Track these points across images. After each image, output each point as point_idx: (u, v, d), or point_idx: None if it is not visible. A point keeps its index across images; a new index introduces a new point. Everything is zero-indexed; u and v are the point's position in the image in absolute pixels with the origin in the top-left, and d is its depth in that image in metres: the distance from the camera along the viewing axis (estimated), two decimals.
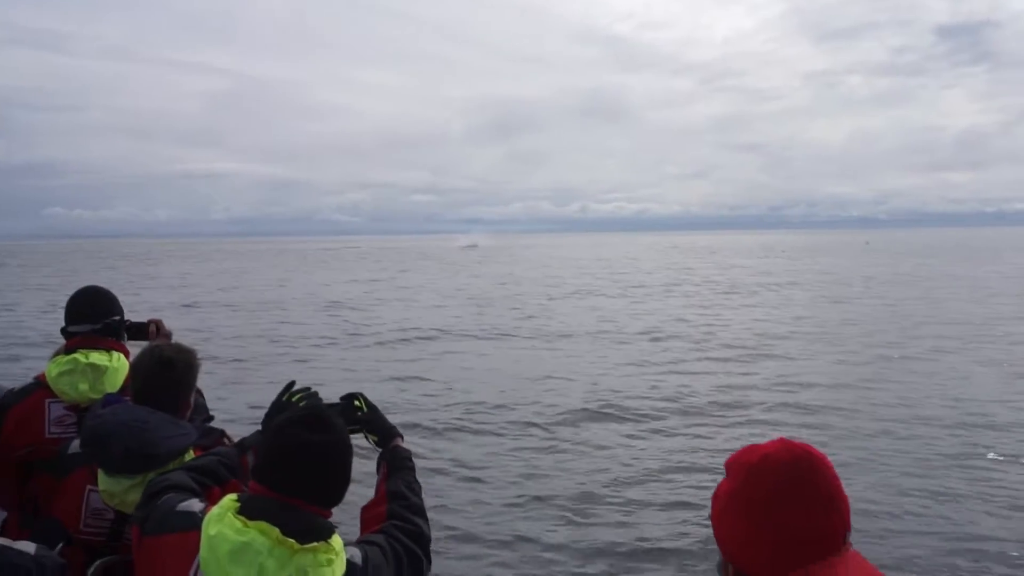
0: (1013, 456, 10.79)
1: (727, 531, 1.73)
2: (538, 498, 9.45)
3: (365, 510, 2.74)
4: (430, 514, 2.78)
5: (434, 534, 2.77)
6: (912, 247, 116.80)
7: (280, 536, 2.08)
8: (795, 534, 1.64)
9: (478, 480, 10.16)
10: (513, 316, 29.06)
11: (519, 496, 9.54)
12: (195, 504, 2.38)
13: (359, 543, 2.42)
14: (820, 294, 37.85)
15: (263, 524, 2.10)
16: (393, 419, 3.17)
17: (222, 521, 2.12)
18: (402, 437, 3.03)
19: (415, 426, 12.52)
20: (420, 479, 2.89)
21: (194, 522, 2.25)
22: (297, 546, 2.09)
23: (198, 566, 2.15)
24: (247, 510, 2.15)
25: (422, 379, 16.99)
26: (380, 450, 3.01)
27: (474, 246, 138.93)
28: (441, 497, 9.30)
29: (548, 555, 7.95)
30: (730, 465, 1.79)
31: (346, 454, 2.37)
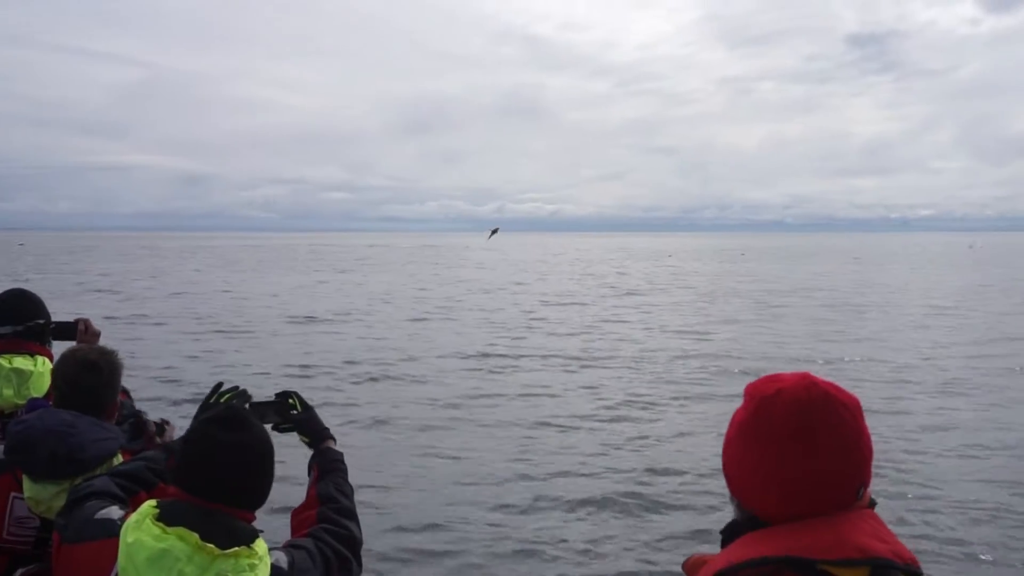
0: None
1: (731, 460, 1.64)
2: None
3: (295, 514, 2.72)
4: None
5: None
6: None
7: (199, 542, 2.05)
8: (799, 477, 1.53)
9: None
10: None
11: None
12: (114, 511, 2.35)
13: (285, 547, 2.39)
14: None
15: (182, 530, 2.06)
16: None
17: (140, 528, 2.08)
18: (334, 440, 3.00)
19: None
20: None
21: (112, 529, 2.22)
22: (217, 551, 2.06)
23: (117, 574, 2.11)
24: (166, 516, 2.11)
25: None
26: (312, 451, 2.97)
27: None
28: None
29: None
30: (747, 392, 1.67)
31: (266, 454, 2.33)
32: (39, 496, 2.76)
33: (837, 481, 1.53)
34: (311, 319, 28.25)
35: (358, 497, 2.90)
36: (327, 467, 2.84)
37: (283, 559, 2.28)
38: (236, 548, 2.10)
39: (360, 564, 2.60)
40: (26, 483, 2.78)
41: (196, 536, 2.06)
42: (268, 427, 2.56)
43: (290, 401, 3.03)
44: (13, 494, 2.86)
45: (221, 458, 2.23)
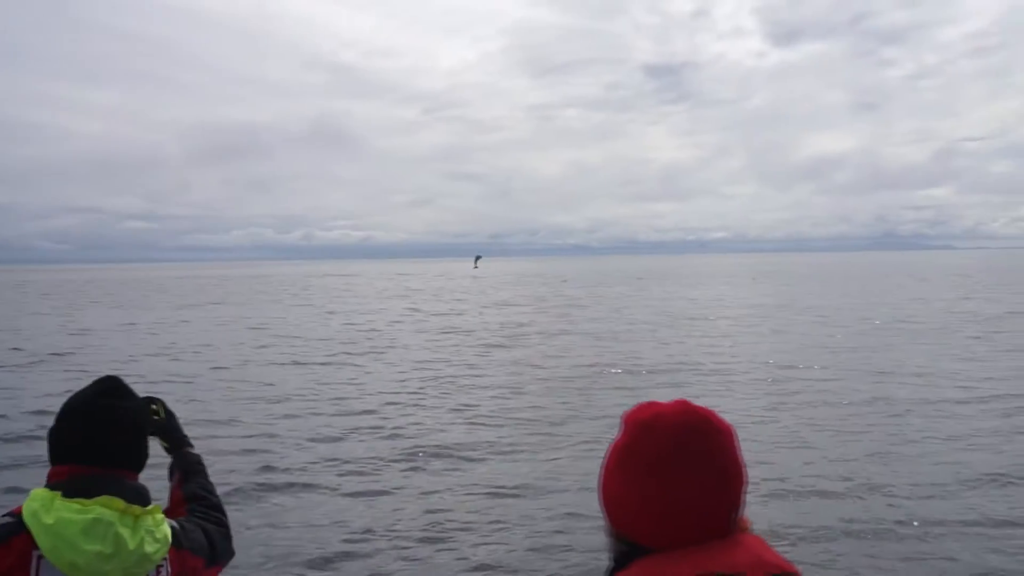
0: None
1: (610, 489, 1.60)
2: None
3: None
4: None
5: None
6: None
7: (124, 504, 2.17)
8: (677, 504, 1.51)
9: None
10: None
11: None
12: None
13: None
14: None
15: (104, 498, 2.16)
16: None
17: (54, 508, 2.11)
18: (192, 447, 2.96)
19: None
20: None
21: (8, 530, 2.13)
22: (139, 510, 2.20)
23: (39, 558, 2.09)
24: (76, 492, 2.16)
25: None
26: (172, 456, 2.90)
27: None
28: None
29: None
30: (625, 419, 1.64)
31: (148, 417, 2.58)
32: None
33: (714, 507, 1.53)
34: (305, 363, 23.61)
35: None
36: (190, 468, 2.82)
37: (172, 523, 2.37)
38: (148, 507, 2.25)
39: (232, 550, 2.64)
40: None
41: (120, 501, 2.17)
42: None
43: (153, 407, 2.90)
44: None
45: (122, 422, 2.33)
